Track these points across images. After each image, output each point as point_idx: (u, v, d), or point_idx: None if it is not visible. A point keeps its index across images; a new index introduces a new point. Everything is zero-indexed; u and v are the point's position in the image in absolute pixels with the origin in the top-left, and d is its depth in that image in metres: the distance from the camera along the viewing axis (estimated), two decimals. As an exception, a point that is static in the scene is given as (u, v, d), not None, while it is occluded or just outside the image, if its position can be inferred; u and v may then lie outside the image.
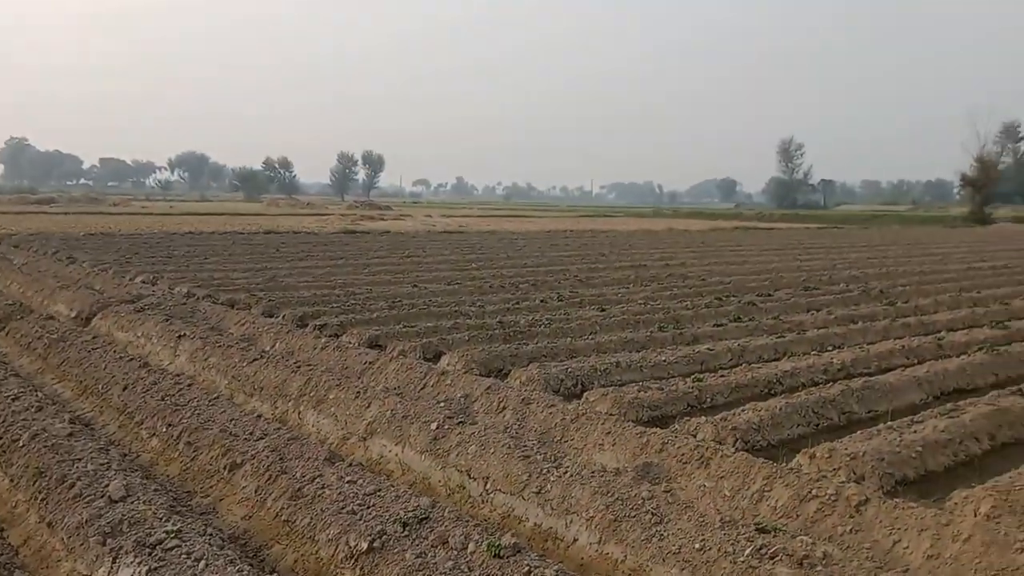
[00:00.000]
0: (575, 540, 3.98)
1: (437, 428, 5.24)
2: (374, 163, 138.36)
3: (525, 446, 4.85)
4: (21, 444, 5.20)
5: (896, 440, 5.17)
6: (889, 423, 5.64)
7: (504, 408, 6.02)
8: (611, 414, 5.93)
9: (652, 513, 3.88)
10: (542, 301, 12.05)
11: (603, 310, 11.15)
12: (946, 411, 5.89)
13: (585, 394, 6.54)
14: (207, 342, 8.21)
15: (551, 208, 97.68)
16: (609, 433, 5.33)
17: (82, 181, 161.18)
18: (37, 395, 6.64)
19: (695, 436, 5.43)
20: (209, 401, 6.02)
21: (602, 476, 4.29)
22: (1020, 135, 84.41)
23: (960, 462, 5.27)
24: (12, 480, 4.96)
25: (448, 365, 7.54)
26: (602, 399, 6.26)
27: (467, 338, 8.85)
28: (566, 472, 4.35)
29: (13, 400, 6.33)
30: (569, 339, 8.94)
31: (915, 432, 5.36)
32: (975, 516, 4.07)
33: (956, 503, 4.27)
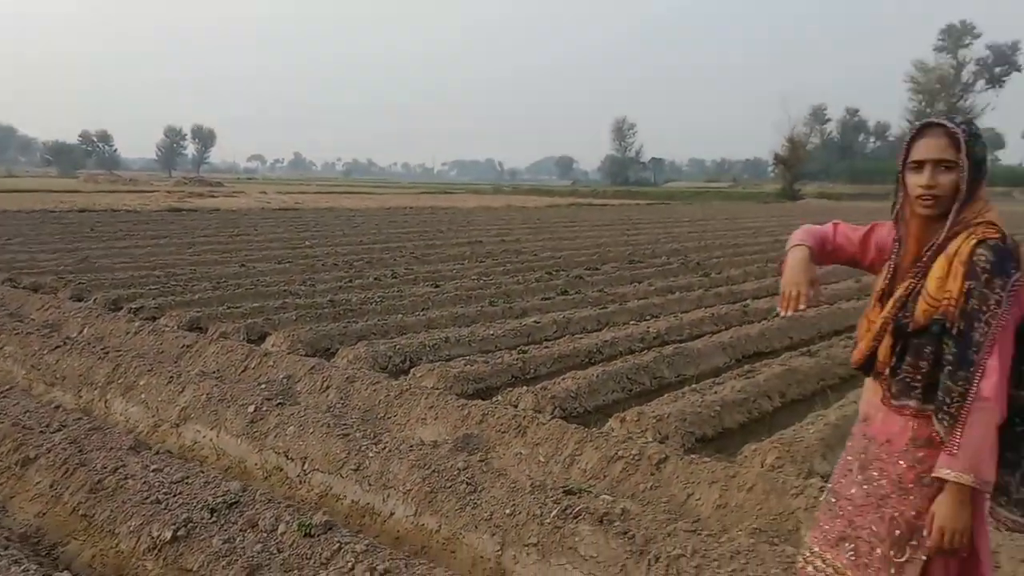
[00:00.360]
0: (392, 514, 4.03)
1: (255, 411, 5.11)
2: (204, 137, 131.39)
3: (346, 424, 4.83)
4: None
5: (698, 401, 5.56)
6: (694, 386, 6.04)
7: (328, 387, 5.95)
8: (436, 389, 6.00)
9: (467, 483, 3.97)
10: (376, 279, 11.95)
11: (437, 286, 11.21)
12: (744, 372, 6.39)
13: (412, 370, 6.58)
14: (2, 329, 7.57)
15: (392, 185, 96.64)
16: (432, 407, 5.40)
17: None
18: None
19: (516, 406, 5.60)
20: (1, 393, 5.57)
21: (420, 450, 4.35)
22: (826, 117, 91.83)
23: (754, 419, 5.74)
24: None
25: (272, 346, 7.35)
26: (428, 374, 6.32)
27: (295, 318, 8.66)
28: (385, 448, 4.38)
29: None
30: (400, 316, 8.94)
31: (715, 393, 5.78)
32: (761, 467, 4.46)
33: (747, 456, 4.67)
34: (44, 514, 3.93)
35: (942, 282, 2.07)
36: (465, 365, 6.59)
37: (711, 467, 4.26)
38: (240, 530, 3.46)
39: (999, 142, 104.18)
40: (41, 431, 4.65)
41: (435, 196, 55.14)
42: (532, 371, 6.89)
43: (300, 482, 4.50)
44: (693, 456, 4.45)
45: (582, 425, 5.10)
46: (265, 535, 3.41)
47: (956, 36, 75.53)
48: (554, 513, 3.59)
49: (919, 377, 2.11)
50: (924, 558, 2.13)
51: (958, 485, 2.03)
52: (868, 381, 2.28)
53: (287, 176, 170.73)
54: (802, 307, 2.21)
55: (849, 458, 2.29)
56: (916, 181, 2.11)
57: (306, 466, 4.54)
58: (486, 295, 10.51)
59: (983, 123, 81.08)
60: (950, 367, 2.05)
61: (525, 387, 5.97)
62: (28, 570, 3.03)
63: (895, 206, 2.22)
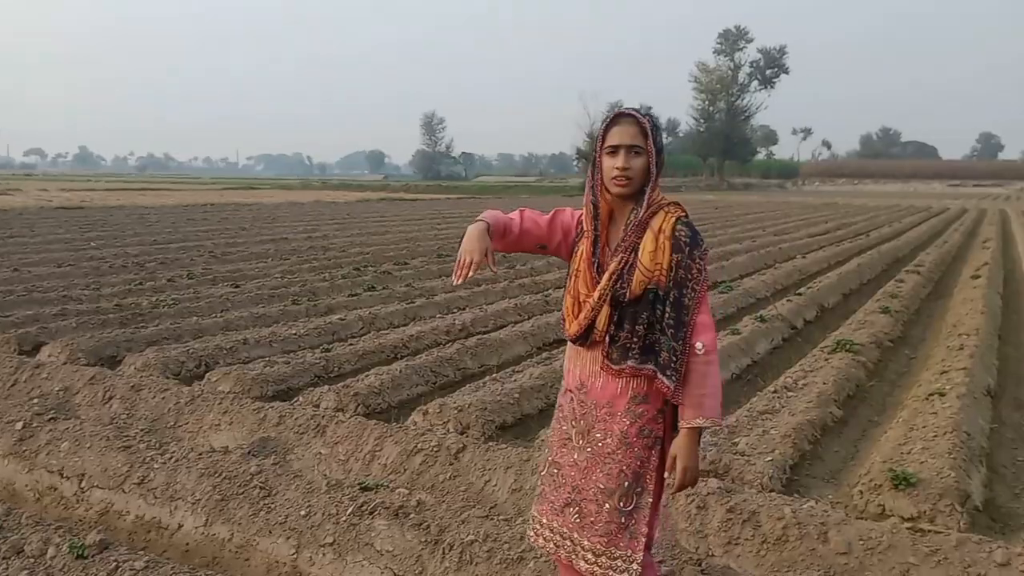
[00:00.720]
0: (180, 526, 3.85)
1: (24, 427, 4.70)
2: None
3: (129, 436, 4.55)
4: None
5: (499, 390, 5.72)
6: (495, 375, 6.21)
7: (111, 398, 5.57)
8: (233, 393, 5.78)
9: (261, 487, 3.88)
10: (170, 280, 11.29)
11: (237, 286, 10.76)
12: (542, 360, 6.65)
13: (207, 375, 6.30)
14: None
15: (192, 181, 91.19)
16: (226, 412, 5.20)
17: None
18: None
19: (317, 406, 5.51)
20: None
21: (211, 457, 4.18)
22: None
23: (552, 404, 5.97)
24: None
25: (48, 357, 6.77)
26: (224, 378, 6.08)
27: (75, 325, 8.01)
28: (171, 458, 4.17)
29: None
30: (196, 319, 8.50)
31: (515, 381, 5.98)
32: (554, 449, 4.67)
33: (543, 440, 4.87)
34: None
35: (654, 255, 2.33)
36: (264, 367, 6.40)
37: (507, 453, 4.41)
38: (3, 558, 3.18)
39: (773, 138, 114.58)
40: None
41: (239, 192, 52.61)
42: (336, 370, 6.79)
43: (77, 501, 4.19)
44: (491, 444, 4.59)
45: (386, 421, 5.11)
46: (32, 561, 3.16)
47: (732, 40, 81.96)
48: (350, 511, 3.58)
49: (635, 340, 2.34)
50: (651, 500, 2.42)
51: (696, 429, 2.35)
52: (577, 352, 2.46)
53: (72, 172, 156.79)
54: (471, 274, 2.33)
55: (564, 428, 2.48)
56: (612, 164, 2.34)
57: (83, 483, 4.23)
58: (290, 293, 10.23)
59: (758, 121, 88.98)
60: (672, 330, 2.33)
61: (327, 386, 5.88)
62: None
63: (592, 187, 2.42)
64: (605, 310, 2.35)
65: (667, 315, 2.33)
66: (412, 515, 3.50)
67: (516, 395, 5.70)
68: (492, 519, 3.51)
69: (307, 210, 31.05)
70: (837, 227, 24.06)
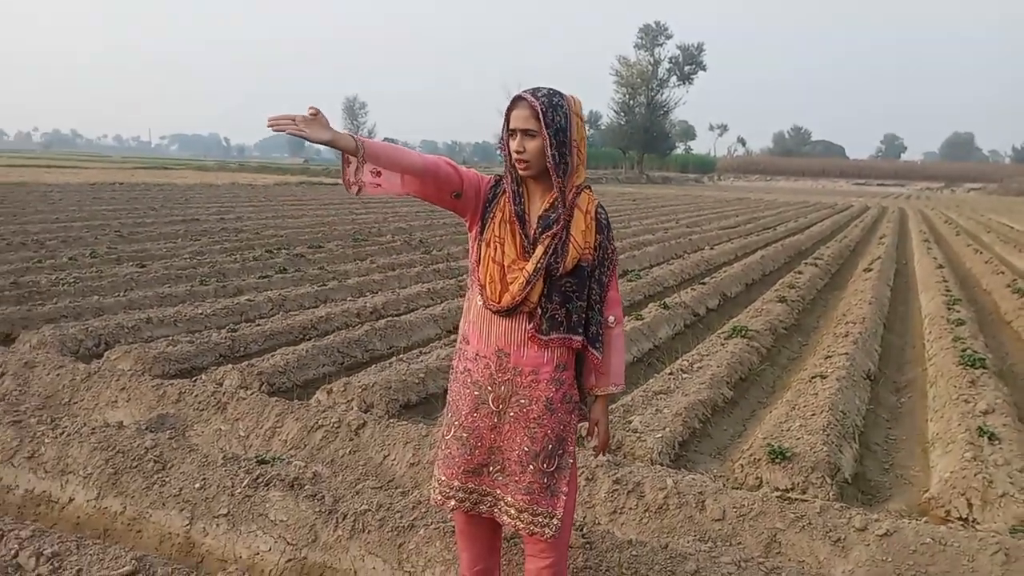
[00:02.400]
0: (71, 500, 3.81)
1: (-94, 403, 4.55)
2: None
3: (20, 412, 4.46)
4: None
5: (404, 370, 5.81)
6: (402, 356, 6.29)
7: (3, 374, 5.43)
8: (133, 371, 5.70)
9: (156, 461, 3.87)
10: (71, 259, 10.93)
11: (143, 266, 10.50)
12: (450, 342, 6.75)
13: (106, 353, 6.18)
14: None
15: (102, 159, 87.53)
16: (124, 389, 5.14)
17: None
18: None
19: (221, 384, 5.49)
20: None
21: (104, 432, 4.14)
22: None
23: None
24: None
25: (-64, 333, 6.52)
26: (124, 356, 5.98)
27: (-34, 303, 7.72)
28: (63, 433, 4.11)
29: None
30: (97, 298, 8.29)
31: (421, 362, 6.07)
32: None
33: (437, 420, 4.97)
34: None
35: (585, 234, 2.47)
36: (167, 346, 6.32)
37: (407, 429, 4.50)
38: None
39: (691, 133, 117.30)
40: None
41: (151, 172, 50.82)
42: (242, 349, 6.76)
43: (-37, 477, 4.10)
44: (391, 421, 4.67)
45: (290, 399, 5.13)
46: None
47: (652, 35, 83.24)
48: (245, 483, 3.62)
49: (563, 312, 2.47)
50: (571, 461, 2.58)
51: (608, 395, 2.63)
52: (492, 319, 2.48)
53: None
54: (281, 124, 2.21)
55: (476, 394, 2.52)
56: (512, 146, 2.43)
57: (-30, 459, 4.14)
58: (198, 274, 10.04)
59: (676, 116, 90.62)
60: (597, 304, 2.53)
61: (231, 365, 5.86)
62: None
63: (507, 167, 2.49)
64: (539, 283, 2.43)
65: (594, 291, 2.52)
66: (307, 486, 3.57)
67: (422, 375, 5.80)
68: (387, 490, 3.61)
69: (222, 192, 30.28)
70: (747, 221, 24.86)
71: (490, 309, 2.46)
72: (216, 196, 27.15)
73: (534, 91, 2.42)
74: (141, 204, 21.55)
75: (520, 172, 2.45)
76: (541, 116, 2.38)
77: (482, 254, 2.48)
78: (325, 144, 2.29)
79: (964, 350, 6.89)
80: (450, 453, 2.59)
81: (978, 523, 3.94)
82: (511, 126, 2.42)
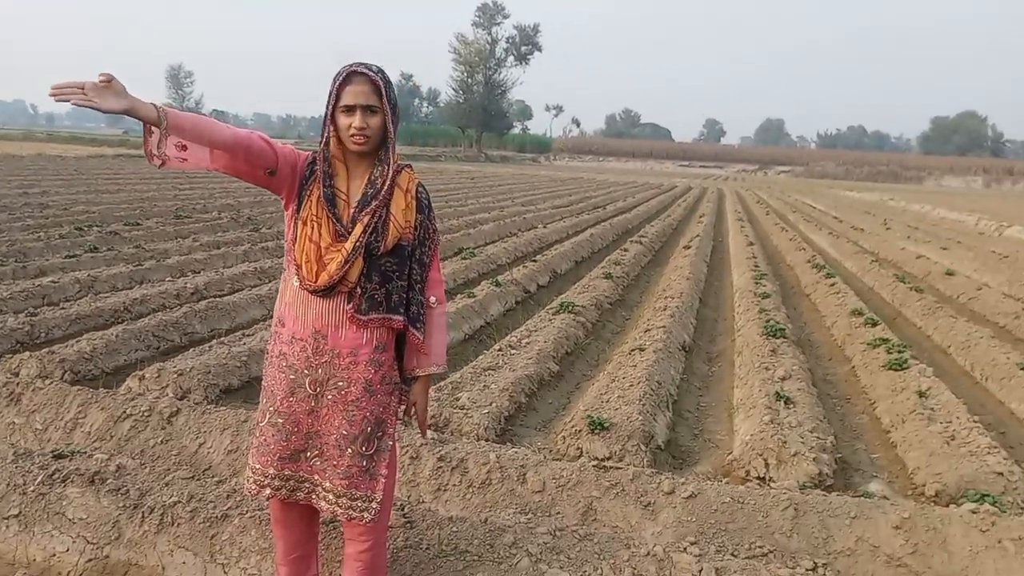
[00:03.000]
0: None
1: None
2: None
3: None
4: None
5: (225, 353, 5.57)
6: (223, 339, 6.03)
7: None
8: (-91, 362, 5.13)
9: (-67, 462, 3.51)
10: None
11: (-75, 245, 9.45)
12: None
13: None
14: None
15: None
16: None
17: None
18: None
19: (17, 374, 5.06)
20: None
21: None
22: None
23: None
24: None
25: None
26: (-101, 346, 5.37)
27: None
28: None
29: None
30: None
31: (244, 344, 5.84)
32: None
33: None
34: None
35: (405, 213, 2.44)
36: (-48, 333, 5.73)
37: (224, 415, 4.33)
38: None
39: (528, 113, 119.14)
40: None
41: (-61, 139, 45.66)
42: (43, 335, 6.24)
43: None
44: (207, 407, 4.48)
45: (97, 388, 4.79)
46: None
47: (490, 14, 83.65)
48: (39, 480, 3.36)
49: (383, 292, 2.42)
50: (390, 443, 2.55)
51: (431, 375, 2.63)
52: (308, 300, 2.41)
53: None
54: (66, 92, 2.02)
55: (292, 377, 2.44)
56: (349, 122, 2.35)
57: None
58: (-7, 254, 9.16)
59: (513, 95, 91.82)
60: (419, 284, 2.51)
61: (30, 353, 5.40)
62: None
63: (326, 142, 2.41)
64: (359, 262, 2.37)
65: (415, 271, 2.49)
66: (110, 480, 3.35)
67: (244, 358, 5.58)
68: (199, 479, 3.45)
69: (26, 164, 27.69)
70: (579, 200, 25.65)
71: (307, 289, 2.39)
72: (19, 168, 24.82)
73: (367, 66, 2.35)
74: (-74, 176, 19.35)
75: (356, 148, 2.37)
76: (384, 92, 2.34)
77: (298, 232, 2.40)
78: (122, 113, 2.11)
79: (768, 321, 7.46)
80: (265, 440, 2.50)
81: (774, 481, 4.29)
82: (347, 102, 2.33)
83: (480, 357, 6.14)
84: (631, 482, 3.87)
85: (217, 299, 7.43)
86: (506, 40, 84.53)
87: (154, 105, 2.19)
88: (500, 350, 6.26)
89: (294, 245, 2.42)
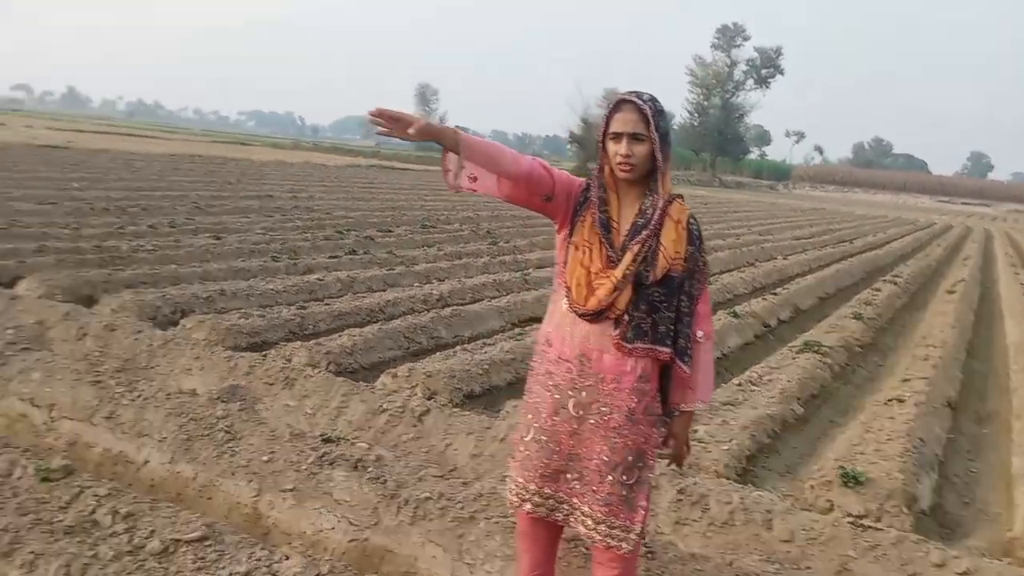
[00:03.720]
0: (146, 462, 3.91)
1: (-4, 356, 4.73)
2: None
3: (100, 372, 4.60)
4: None
5: (469, 360, 5.80)
6: (466, 346, 6.29)
7: (85, 335, 5.60)
8: (206, 340, 5.83)
9: (226, 431, 3.94)
10: (151, 227, 11.27)
11: (218, 238, 10.76)
12: (515, 335, 6.73)
13: (182, 321, 6.34)
14: None
15: (182, 131, 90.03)
16: (198, 358, 5.25)
17: None
18: None
19: (289, 360, 5.57)
20: None
21: (179, 398, 4.24)
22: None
23: (521, 378, 6.07)
24: None
25: (25, 290, 6.77)
26: (199, 326, 6.12)
27: (54, 262, 8.02)
28: (140, 396, 4.22)
29: None
30: (175, 266, 8.52)
31: (486, 353, 6.05)
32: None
33: (508, 411, 4.95)
34: None
35: (676, 244, 2.42)
36: (239, 318, 6.44)
37: (469, 420, 4.49)
38: (-32, 476, 3.23)
39: (766, 139, 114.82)
40: None
41: (229, 147, 52.11)
42: (311, 327, 6.85)
43: (47, 429, 4.24)
44: (455, 410, 4.67)
45: (358, 381, 5.17)
46: (-2, 481, 3.21)
47: (730, 36, 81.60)
48: (311, 460, 3.65)
49: (649, 321, 2.40)
50: (651, 475, 2.52)
51: (694, 411, 2.57)
52: (576, 322, 2.43)
53: (59, 111, 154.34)
54: (383, 123, 2.21)
55: (557, 397, 2.46)
56: (616, 150, 2.38)
57: (53, 413, 4.28)
58: (270, 250, 10.23)
59: (752, 120, 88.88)
60: (687, 317, 2.46)
61: (300, 342, 5.94)
62: None
63: (600, 169, 2.45)
64: (627, 290, 2.39)
65: (683, 303, 2.45)
66: (371, 469, 3.58)
67: (486, 366, 5.78)
68: (448, 479, 3.60)
69: (295, 170, 30.87)
70: (822, 232, 24.26)
71: (575, 312, 2.42)
72: (290, 174, 27.69)
73: (638, 94, 2.39)
74: (218, 177, 22.11)
75: (622, 175, 2.40)
76: (652, 120, 2.35)
77: (570, 256, 2.45)
78: (420, 140, 2.27)
79: (1052, 383, 6.57)
80: (528, 455, 2.53)
81: (1065, 569, 3.74)
82: (615, 129, 2.37)
83: (718, 391, 5.93)
84: (893, 547, 3.53)
85: (460, 307, 7.78)
86: (746, 62, 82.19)
87: (455, 131, 2.32)
88: (740, 385, 6.02)
89: (565, 268, 2.47)
